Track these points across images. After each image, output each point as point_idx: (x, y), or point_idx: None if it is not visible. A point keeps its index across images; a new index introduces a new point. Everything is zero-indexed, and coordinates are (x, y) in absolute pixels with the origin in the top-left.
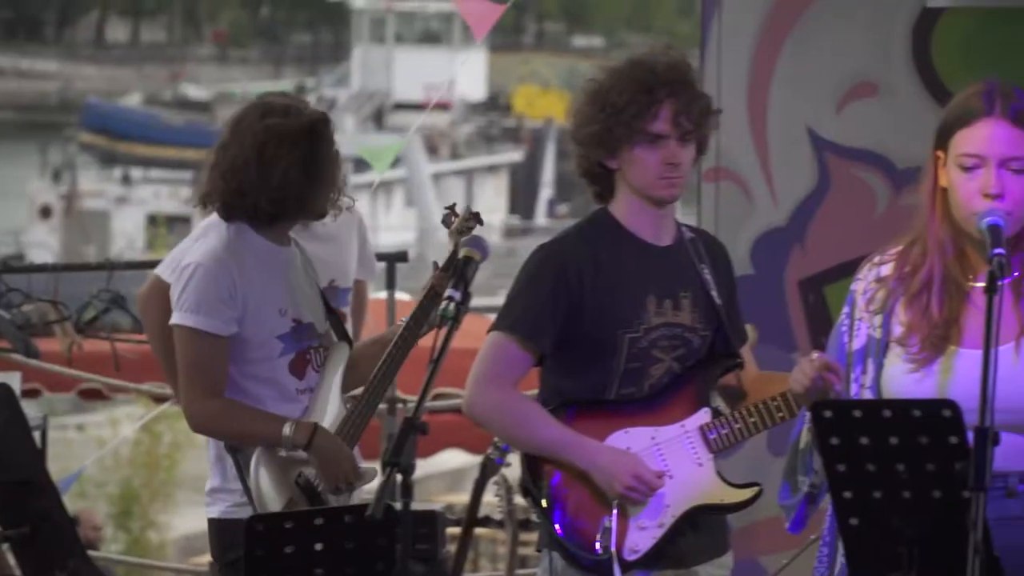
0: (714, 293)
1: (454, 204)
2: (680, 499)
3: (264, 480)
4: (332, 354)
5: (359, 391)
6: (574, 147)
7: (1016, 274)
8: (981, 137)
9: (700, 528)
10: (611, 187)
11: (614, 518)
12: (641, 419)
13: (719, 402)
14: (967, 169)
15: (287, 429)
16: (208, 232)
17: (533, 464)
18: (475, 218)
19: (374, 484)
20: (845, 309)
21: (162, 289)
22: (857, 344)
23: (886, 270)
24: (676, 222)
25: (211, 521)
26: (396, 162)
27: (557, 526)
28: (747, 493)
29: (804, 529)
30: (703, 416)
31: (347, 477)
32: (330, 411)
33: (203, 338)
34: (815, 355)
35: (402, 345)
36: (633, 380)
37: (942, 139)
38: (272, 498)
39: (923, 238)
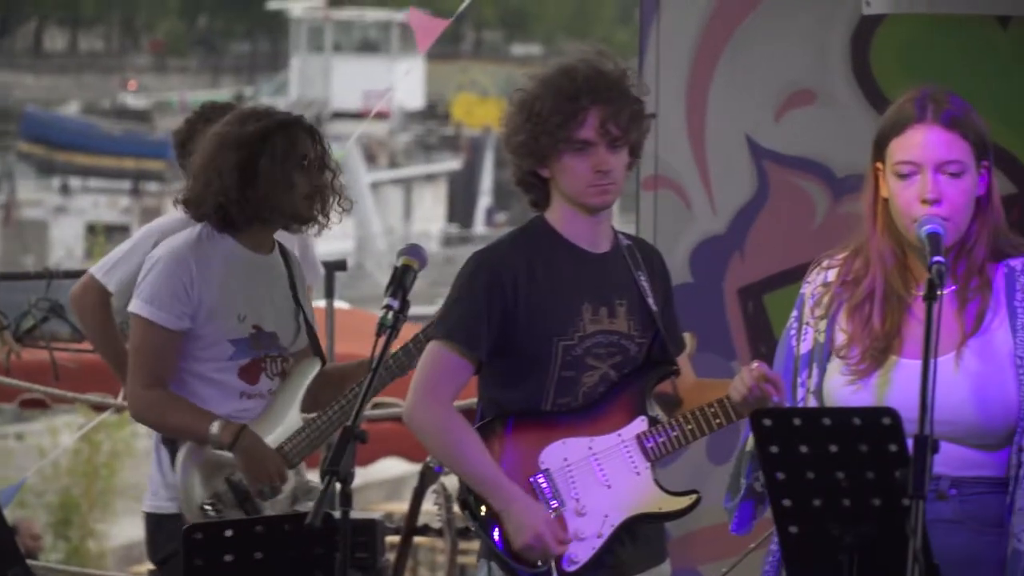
0: (651, 300)
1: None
2: (618, 508)
3: (190, 475)
4: (300, 367)
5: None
6: (509, 156)
7: (954, 287)
8: (915, 144)
9: (638, 537)
10: (546, 195)
11: None
12: (578, 429)
13: (656, 410)
14: (904, 176)
15: (214, 427)
16: (183, 229)
17: None
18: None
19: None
20: (794, 312)
21: (95, 288)
22: (804, 348)
23: (831, 275)
24: (613, 229)
25: (144, 515)
26: None
27: (496, 537)
28: (685, 501)
29: (750, 530)
30: (640, 425)
31: (271, 480)
32: (287, 421)
33: (152, 328)
34: (755, 365)
35: (384, 375)
36: (568, 389)
37: (879, 149)
38: (197, 493)
39: (866, 249)
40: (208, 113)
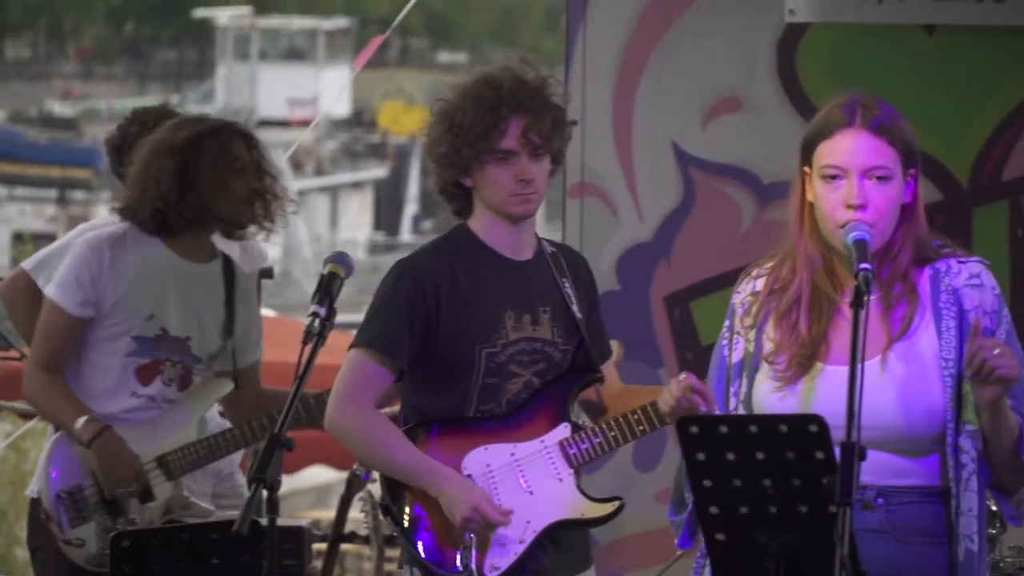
0: (575, 307)
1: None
2: (540, 515)
3: (55, 462)
4: (210, 385)
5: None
6: (431, 165)
7: (878, 293)
8: (843, 148)
9: (561, 544)
10: (469, 203)
11: (474, 535)
12: (501, 435)
13: (581, 417)
14: (830, 180)
15: (79, 422)
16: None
17: (393, 483)
18: None
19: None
20: (726, 322)
21: (25, 282)
22: (736, 358)
23: (760, 284)
24: (536, 236)
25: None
26: None
27: (418, 544)
28: (608, 508)
29: (695, 544)
30: (563, 431)
31: (120, 484)
32: (180, 433)
33: (56, 310)
34: (683, 376)
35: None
36: (491, 396)
37: (806, 153)
38: (54, 481)
39: (792, 254)
40: (141, 118)
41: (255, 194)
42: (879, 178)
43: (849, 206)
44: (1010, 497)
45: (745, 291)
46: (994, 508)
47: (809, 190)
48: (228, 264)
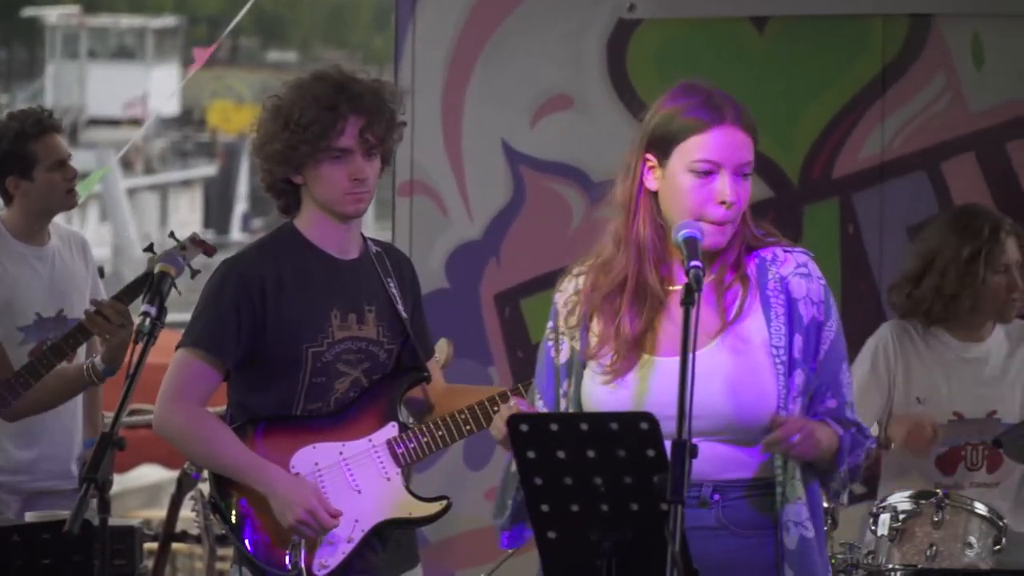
0: (400, 307)
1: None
2: (368, 514)
3: None
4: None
5: None
6: (259, 162)
7: (710, 279)
8: (720, 144)
9: (389, 542)
10: (297, 201)
11: None
12: (329, 434)
13: (409, 418)
14: (701, 175)
15: None
16: None
17: (222, 480)
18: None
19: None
20: (550, 323)
21: None
22: (562, 358)
23: (582, 282)
24: (362, 236)
25: None
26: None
27: (246, 542)
28: (435, 507)
29: (522, 544)
30: (391, 430)
31: None
32: None
33: None
34: (513, 403)
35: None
36: (318, 395)
37: (662, 144)
38: None
39: (620, 240)
40: None
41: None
42: (744, 175)
43: (723, 203)
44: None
45: (567, 290)
46: (826, 504)
47: (652, 179)
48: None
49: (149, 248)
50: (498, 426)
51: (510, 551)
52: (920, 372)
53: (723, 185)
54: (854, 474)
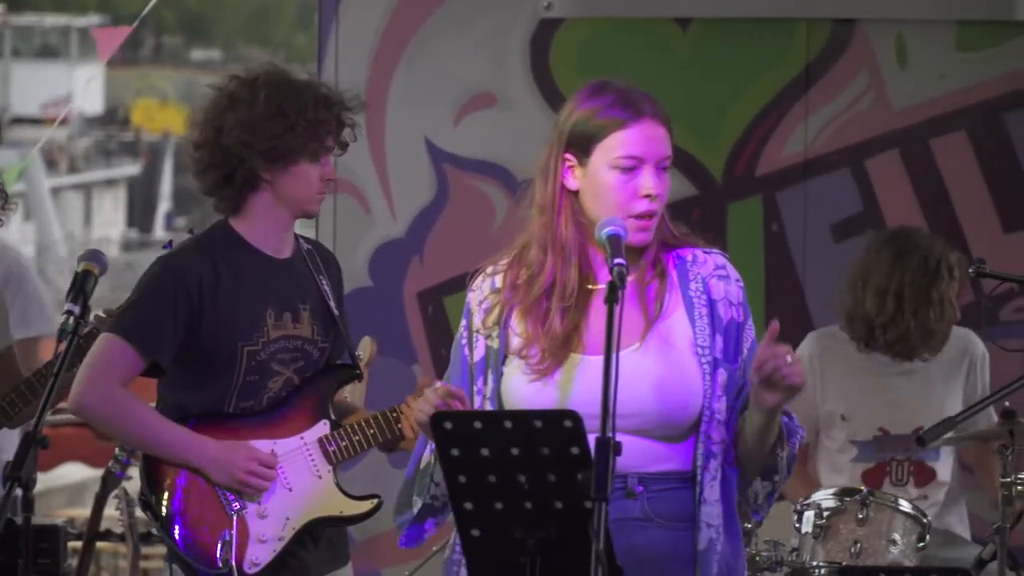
0: (332, 304)
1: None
2: (300, 511)
3: None
4: None
5: None
6: (200, 159)
7: (633, 277)
8: (642, 139)
9: (320, 540)
10: (241, 201)
11: (234, 531)
12: (261, 432)
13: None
14: (625, 171)
15: None
16: None
17: (153, 477)
18: None
19: None
20: (463, 321)
21: None
22: (477, 356)
23: (499, 281)
24: (294, 234)
25: None
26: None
27: (177, 539)
28: (367, 505)
29: (420, 544)
30: (322, 428)
31: None
32: None
33: None
34: (439, 384)
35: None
36: (251, 393)
37: (581, 142)
38: None
39: (544, 242)
40: None
41: None
42: (664, 168)
43: (648, 196)
44: (746, 489)
45: (483, 289)
46: (748, 525)
47: (572, 178)
48: None
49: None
50: (424, 407)
51: (435, 548)
52: (844, 388)
53: (647, 179)
54: (791, 465)
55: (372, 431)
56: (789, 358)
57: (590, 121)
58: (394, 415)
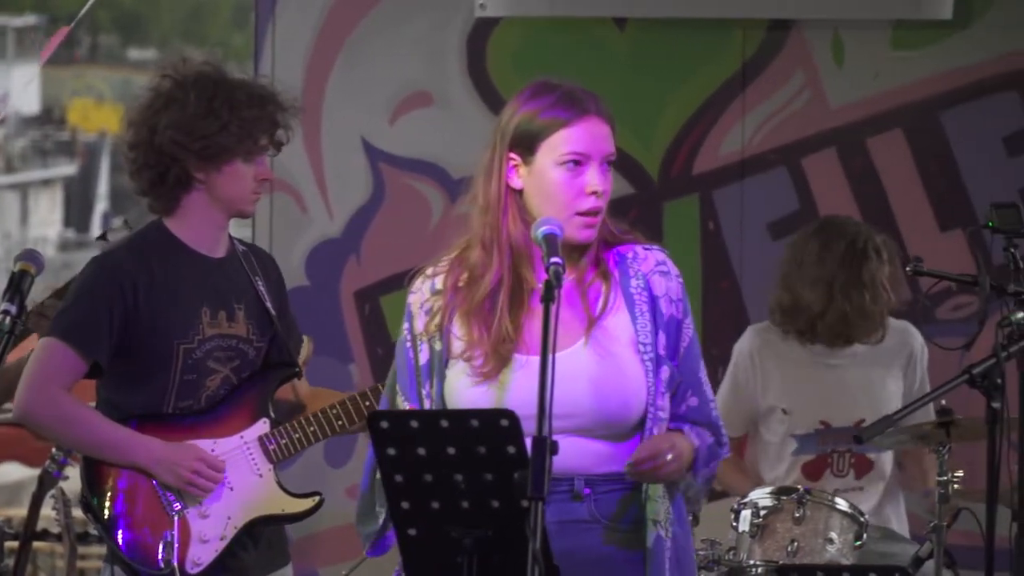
0: (268, 304)
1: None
2: (241, 510)
3: None
4: None
5: None
6: (134, 160)
7: (572, 277)
8: (587, 135)
9: (260, 541)
10: (175, 201)
11: (176, 532)
12: (200, 431)
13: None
14: (572, 167)
15: None
16: None
17: (94, 478)
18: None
19: None
20: (405, 324)
21: None
22: (423, 359)
23: (439, 282)
24: (229, 235)
25: None
26: None
27: (119, 540)
28: (308, 503)
29: (387, 551)
30: (262, 427)
31: None
32: None
33: None
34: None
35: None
36: (189, 392)
37: (526, 140)
38: None
39: (488, 242)
40: None
41: None
42: (608, 164)
43: (593, 193)
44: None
45: (424, 291)
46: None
47: (517, 177)
48: None
49: (102, 236)
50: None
51: None
52: (784, 381)
53: (593, 176)
54: (708, 483)
55: (312, 429)
56: (669, 456)
57: (534, 120)
58: (334, 412)
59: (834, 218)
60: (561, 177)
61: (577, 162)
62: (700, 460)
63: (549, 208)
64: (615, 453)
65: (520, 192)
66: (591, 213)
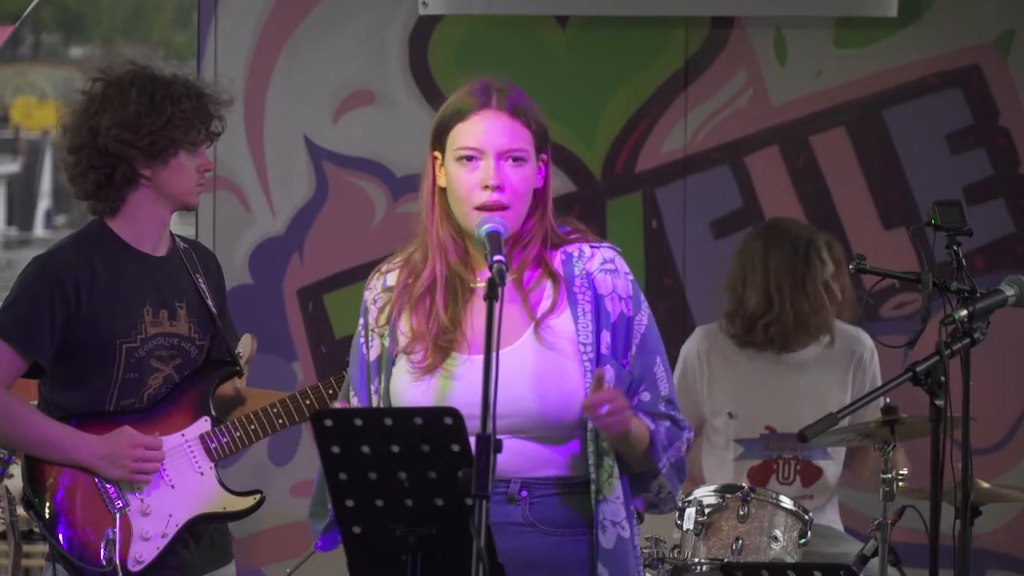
0: (210, 302)
1: None
2: (183, 508)
3: None
4: None
5: None
6: (77, 163)
7: (512, 278)
8: (480, 130)
9: (203, 538)
10: (120, 201)
11: (118, 529)
12: (142, 429)
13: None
14: (467, 162)
15: None
16: None
17: (36, 476)
18: None
19: None
20: (361, 320)
21: None
22: (373, 355)
23: (391, 279)
24: (171, 233)
25: None
26: None
27: (61, 539)
28: (249, 501)
29: (336, 547)
30: (203, 425)
31: None
32: None
33: None
34: (337, 405)
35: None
36: (131, 391)
37: (439, 137)
38: None
39: (423, 241)
40: None
41: None
42: (515, 159)
43: (487, 187)
44: (650, 483)
45: (376, 287)
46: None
47: (440, 175)
48: None
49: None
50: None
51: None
52: (731, 385)
53: (487, 170)
54: (681, 470)
55: (253, 427)
56: (604, 409)
57: (443, 117)
58: (275, 411)
59: (778, 221)
60: (459, 172)
61: (470, 157)
62: (659, 442)
63: (455, 204)
64: (551, 456)
65: (444, 190)
66: (488, 208)
